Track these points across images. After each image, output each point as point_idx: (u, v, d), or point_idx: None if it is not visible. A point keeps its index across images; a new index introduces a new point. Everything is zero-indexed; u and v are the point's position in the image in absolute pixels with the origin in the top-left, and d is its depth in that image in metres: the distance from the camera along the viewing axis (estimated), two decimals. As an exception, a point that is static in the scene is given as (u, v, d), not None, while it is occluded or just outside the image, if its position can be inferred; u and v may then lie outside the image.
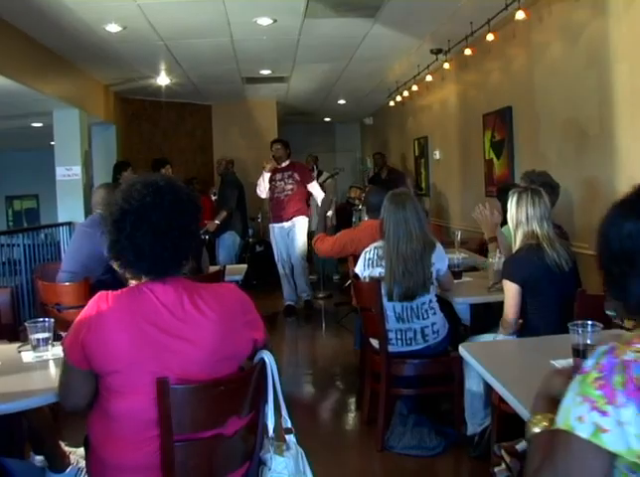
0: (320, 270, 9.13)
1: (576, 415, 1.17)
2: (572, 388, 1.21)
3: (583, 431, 1.16)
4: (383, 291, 3.77)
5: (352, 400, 4.82)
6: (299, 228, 7.97)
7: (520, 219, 3.45)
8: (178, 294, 2.02)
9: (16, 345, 2.88)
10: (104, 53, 7.12)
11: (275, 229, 8.05)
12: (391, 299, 3.76)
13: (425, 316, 3.79)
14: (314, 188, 8.06)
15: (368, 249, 3.98)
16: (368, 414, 4.20)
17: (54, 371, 2.59)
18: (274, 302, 8.16)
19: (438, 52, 7.69)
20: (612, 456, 1.15)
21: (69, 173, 7.85)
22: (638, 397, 1.12)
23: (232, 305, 2.08)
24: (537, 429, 1.40)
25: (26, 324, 3.21)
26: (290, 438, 2.13)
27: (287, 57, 8.10)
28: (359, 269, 4.01)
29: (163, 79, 8.81)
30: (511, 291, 3.36)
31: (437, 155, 9.29)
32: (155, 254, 1.98)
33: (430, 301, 3.81)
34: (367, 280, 3.91)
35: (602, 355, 1.19)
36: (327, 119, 14.87)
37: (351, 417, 4.57)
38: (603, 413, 1.14)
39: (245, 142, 11.21)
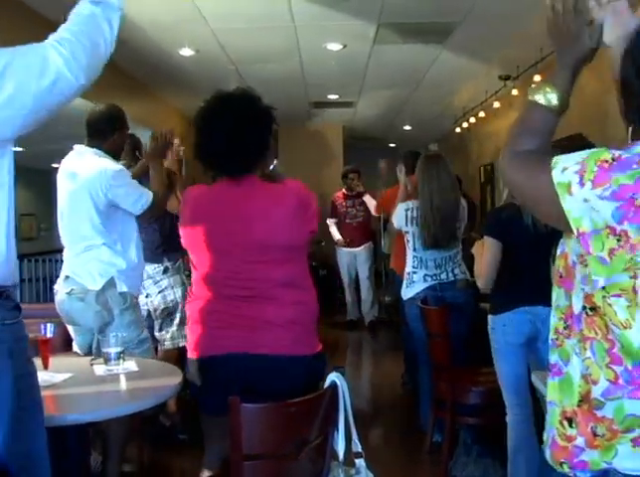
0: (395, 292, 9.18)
1: (566, 164, 1.17)
2: (582, 153, 1.18)
3: (557, 175, 1.17)
4: (420, 241, 4.21)
5: (413, 427, 4.75)
6: (367, 253, 8.49)
7: None
8: (244, 190, 2.37)
9: (89, 358, 2.94)
10: (177, 76, 7.30)
11: (344, 253, 8.56)
12: (427, 247, 4.17)
13: (457, 263, 4.27)
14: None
15: (408, 207, 4.31)
16: (430, 443, 4.14)
17: (125, 384, 2.64)
18: (338, 323, 8.52)
19: (507, 78, 7.61)
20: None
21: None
22: (620, 199, 1.09)
23: (289, 201, 2.40)
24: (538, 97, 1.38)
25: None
26: (360, 463, 2.11)
27: (355, 82, 8.15)
28: (397, 222, 4.37)
29: (232, 103, 8.95)
30: (490, 248, 3.26)
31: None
32: (227, 156, 2.35)
33: (459, 253, 4.31)
34: (409, 235, 4.31)
35: (634, 152, 1.14)
36: (392, 145, 14.85)
37: (413, 445, 4.49)
38: (581, 184, 1.13)
39: (310, 166, 11.26)
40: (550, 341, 1.31)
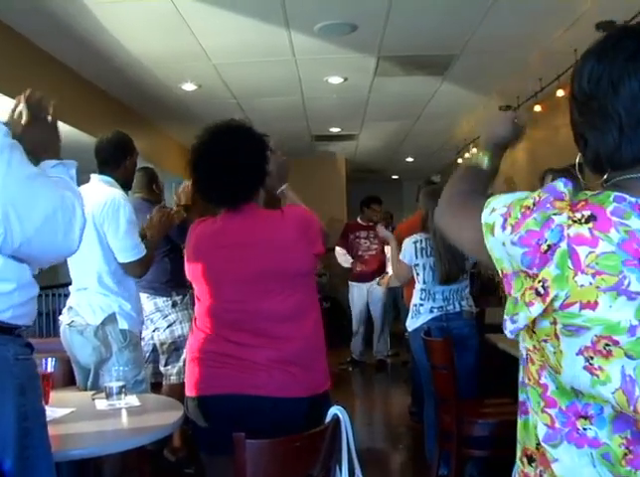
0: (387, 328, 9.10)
1: (495, 206, 1.19)
2: (513, 196, 1.19)
3: (485, 216, 1.19)
4: (432, 276, 4.20)
5: (419, 460, 4.69)
6: (381, 288, 7.96)
7: None
8: (244, 219, 2.36)
9: (90, 393, 2.92)
10: (179, 110, 7.37)
11: (355, 287, 8.13)
12: (441, 283, 4.16)
13: (465, 296, 4.26)
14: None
15: (417, 239, 4.29)
16: (436, 476, 4.08)
17: (126, 419, 2.62)
18: (340, 357, 8.19)
19: (507, 108, 7.65)
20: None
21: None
22: (526, 245, 1.09)
23: (287, 224, 2.36)
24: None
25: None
26: (364, 498, 2.08)
27: (356, 115, 8.21)
28: (408, 258, 4.30)
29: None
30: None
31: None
32: (223, 187, 2.35)
33: (467, 286, 4.31)
34: (419, 268, 4.28)
35: (546, 192, 1.12)
36: (395, 177, 14.90)
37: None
38: (503, 227, 1.14)
39: (313, 199, 11.22)
40: (519, 379, 1.28)
